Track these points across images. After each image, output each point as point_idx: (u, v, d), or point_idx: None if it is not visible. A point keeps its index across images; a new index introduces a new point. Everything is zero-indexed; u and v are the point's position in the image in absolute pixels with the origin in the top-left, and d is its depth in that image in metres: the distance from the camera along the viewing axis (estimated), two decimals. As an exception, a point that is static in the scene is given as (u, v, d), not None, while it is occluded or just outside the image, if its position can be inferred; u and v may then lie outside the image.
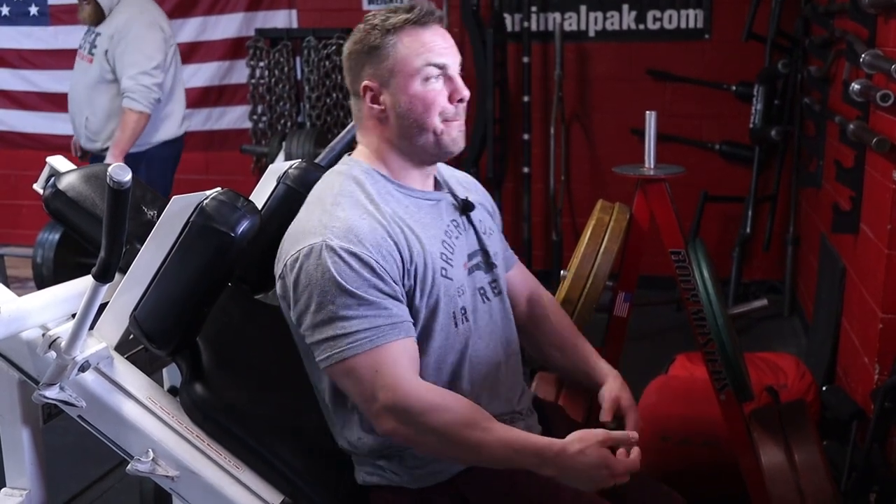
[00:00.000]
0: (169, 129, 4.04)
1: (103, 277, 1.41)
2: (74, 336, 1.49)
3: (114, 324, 1.62)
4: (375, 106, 1.63)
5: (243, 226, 1.55)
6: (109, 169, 1.25)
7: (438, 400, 1.53)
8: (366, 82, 1.63)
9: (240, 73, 5.25)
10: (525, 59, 4.83)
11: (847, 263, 3.42)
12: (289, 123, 4.92)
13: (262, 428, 1.60)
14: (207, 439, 1.62)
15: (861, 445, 2.85)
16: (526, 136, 4.88)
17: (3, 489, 1.68)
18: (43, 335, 1.54)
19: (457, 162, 2.00)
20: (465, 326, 1.65)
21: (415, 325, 1.58)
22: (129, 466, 1.58)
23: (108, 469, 3.02)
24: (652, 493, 1.74)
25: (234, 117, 5.35)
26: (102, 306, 1.56)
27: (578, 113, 5.01)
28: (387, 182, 1.65)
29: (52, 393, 1.55)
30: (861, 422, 2.92)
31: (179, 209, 1.54)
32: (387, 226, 1.57)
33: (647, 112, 2.40)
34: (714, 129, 4.88)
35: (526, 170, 4.92)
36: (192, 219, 1.54)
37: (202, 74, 5.26)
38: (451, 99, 1.62)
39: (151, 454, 1.57)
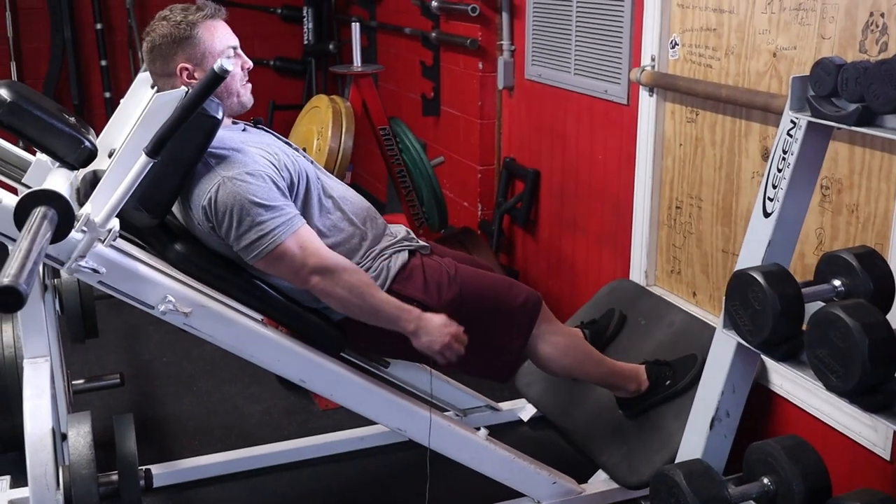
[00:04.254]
0: None
1: (155, 153, 1.81)
2: (112, 210, 1.85)
3: (104, 205, 1.95)
4: (194, 80, 2.12)
5: (221, 112, 2.01)
6: (221, 59, 1.69)
7: (349, 264, 2.13)
8: (182, 64, 2.09)
9: None
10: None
11: (428, 140, 4.53)
12: None
13: (235, 267, 2.10)
14: (199, 283, 2.07)
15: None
16: (104, 63, 5.13)
17: (26, 360, 1.92)
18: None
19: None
20: (321, 180, 2.26)
21: (303, 192, 2.14)
22: (160, 308, 1.97)
23: None
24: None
25: None
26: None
27: (146, 38, 5.35)
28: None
29: (85, 262, 1.88)
30: (474, 246, 4.11)
31: (164, 103, 1.94)
32: (248, 151, 2.08)
33: (353, 23, 3.16)
34: (266, 47, 5.65)
35: (108, 94, 5.17)
36: (181, 109, 1.95)
37: None
38: (242, 68, 2.20)
39: (171, 298, 1.99)
